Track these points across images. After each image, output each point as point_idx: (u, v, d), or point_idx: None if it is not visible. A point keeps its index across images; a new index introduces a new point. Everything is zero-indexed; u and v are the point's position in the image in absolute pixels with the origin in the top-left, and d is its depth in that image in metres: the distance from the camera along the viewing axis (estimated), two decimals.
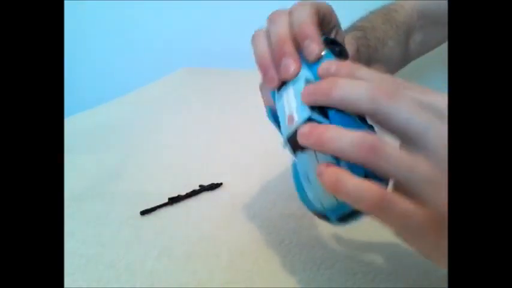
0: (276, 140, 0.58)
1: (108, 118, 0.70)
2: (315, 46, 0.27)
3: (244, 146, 0.58)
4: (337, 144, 0.23)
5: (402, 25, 0.52)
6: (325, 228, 0.40)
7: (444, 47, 0.59)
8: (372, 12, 0.52)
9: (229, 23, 1.03)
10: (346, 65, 0.25)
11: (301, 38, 0.28)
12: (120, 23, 1.10)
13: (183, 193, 0.45)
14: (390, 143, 0.22)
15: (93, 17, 1.11)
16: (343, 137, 0.23)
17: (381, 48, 0.48)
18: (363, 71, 0.25)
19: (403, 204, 0.22)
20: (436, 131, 0.22)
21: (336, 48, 0.29)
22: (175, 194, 0.45)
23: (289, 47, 0.28)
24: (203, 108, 0.75)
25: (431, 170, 0.22)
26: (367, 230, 0.39)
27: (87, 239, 0.39)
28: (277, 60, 0.28)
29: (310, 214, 0.42)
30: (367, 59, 0.45)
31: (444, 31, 0.56)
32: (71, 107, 0.65)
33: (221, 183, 0.47)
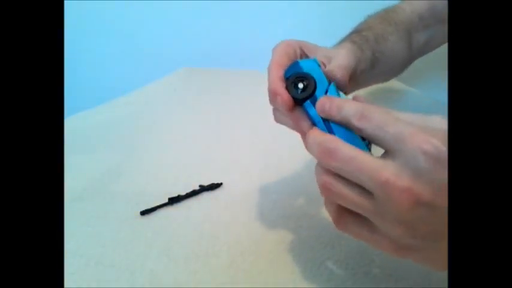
0: (276, 140, 0.58)
1: (108, 118, 0.70)
2: (280, 99, 0.32)
3: (244, 146, 0.58)
4: (308, 145, 0.28)
5: (402, 24, 0.52)
6: (325, 228, 0.40)
7: (444, 45, 0.59)
8: (369, 16, 0.52)
9: (229, 23, 1.03)
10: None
11: (271, 98, 0.33)
12: (120, 23, 1.10)
13: (183, 193, 0.45)
14: (346, 149, 0.26)
15: (93, 17, 1.10)
16: (315, 138, 0.27)
17: (382, 42, 0.47)
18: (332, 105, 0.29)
19: (355, 227, 0.27)
20: (369, 174, 0.24)
21: (299, 85, 0.32)
22: (175, 194, 0.45)
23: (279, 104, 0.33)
24: (203, 108, 0.75)
25: (374, 207, 0.25)
26: None
27: (87, 239, 0.39)
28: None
29: (309, 214, 0.42)
30: (371, 50, 0.44)
31: (446, 30, 0.56)
32: (71, 107, 0.65)
33: (221, 183, 0.47)
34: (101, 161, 0.54)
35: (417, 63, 0.60)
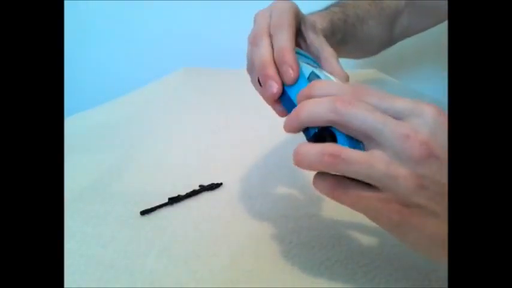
0: (276, 140, 0.58)
1: (108, 118, 0.70)
2: (291, 72, 0.32)
3: (244, 146, 0.58)
4: (307, 158, 0.27)
5: (388, 8, 0.53)
6: (325, 228, 0.40)
7: (444, 46, 0.60)
8: None
9: (229, 23, 1.03)
10: (316, 86, 0.29)
11: (279, 64, 0.33)
12: (120, 23, 1.10)
13: (183, 193, 0.45)
14: (349, 150, 0.26)
15: (93, 17, 1.10)
16: (310, 151, 0.26)
17: (359, 26, 0.49)
18: (328, 87, 0.28)
19: (356, 190, 0.27)
20: (390, 127, 0.25)
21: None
22: (175, 194, 0.44)
23: (272, 71, 0.33)
24: (203, 108, 0.75)
25: (387, 163, 0.25)
26: (368, 230, 0.39)
27: (87, 239, 0.39)
28: (262, 80, 0.34)
29: (309, 214, 0.42)
30: (343, 33, 0.45)
31: (428, 19, 0.58)
32: (71, 107, 0.65)
33: (221, 183, 0.47)
34: (101, 161, 0.54)
35: (418, 63, 0.60)
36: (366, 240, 0.38)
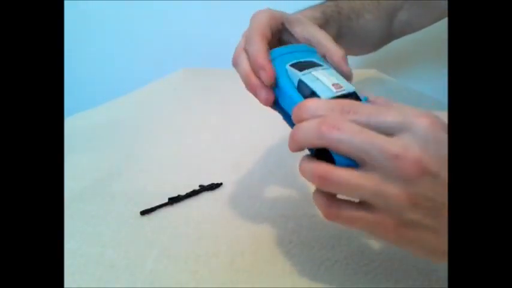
0: (276, 140, 0.58)
1: (108, 118, 0.70)
2: (263, 73, 0.33)
3: (244, 146, 0.58)
4: (304, 175, 0.28)
5: (386, 2, 0.52)
6: (325, 228, 0.40)
7: (444, 46, 0.60)
8: None
9: (229, 23, 1.03)
10: (304, 108, 0.29)
11: (255, 71, 0.34)
12: (120, 23, 1.10)
13: (183, 193, 0.45)
14: (341, 170, 0.26)
15: (93, 17, 1.10)
16: (306, 168, 0.27)
17: (355, 18, 0.48)
18: (316, 108, 0.28)
19: (349, 211, 0.27)
20: (378, 147, 0.25)
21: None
22: (175, 194, 0.44)
23: (254, 80, 0.34)
24: (203, 108, 0.75)
25: (378, 182, 0.25)
26: None
27: (87, 239, 0.39)
28: (251, 91, 0.35)
29: (309, 214, 0.42)
30: (338, 25, 0.45)
31: (428, 15, 0.58)
32: (71, 107, 0.65)
33: (221, 183, 0.47)
34: (101, 161, 0.54)
35: (418, 63, 0.60)
36: (366, 240, 0.38)
